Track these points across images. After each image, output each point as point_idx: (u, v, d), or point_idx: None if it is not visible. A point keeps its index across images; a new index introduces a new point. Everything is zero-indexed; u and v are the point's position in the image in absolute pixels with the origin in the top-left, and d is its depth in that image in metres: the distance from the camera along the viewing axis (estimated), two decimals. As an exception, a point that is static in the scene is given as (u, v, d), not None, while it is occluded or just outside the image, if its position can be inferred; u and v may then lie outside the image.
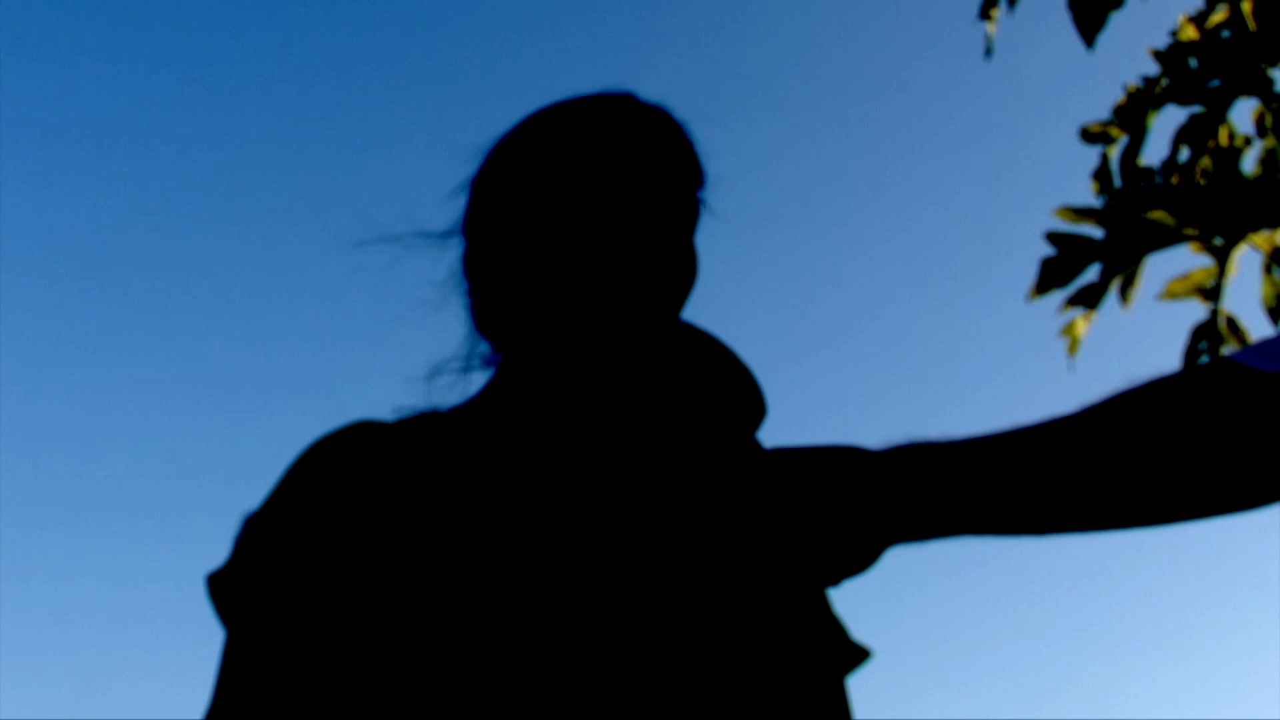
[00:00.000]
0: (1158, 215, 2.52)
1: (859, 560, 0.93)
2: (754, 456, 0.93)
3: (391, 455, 0.87)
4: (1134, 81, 2.59)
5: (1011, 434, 0.89)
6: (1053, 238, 2.63)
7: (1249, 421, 0.82)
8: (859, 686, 0.87)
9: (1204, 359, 2.58)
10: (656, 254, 0.91)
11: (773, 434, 0.98)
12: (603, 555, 0.82)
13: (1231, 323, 2.59)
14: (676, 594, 0.81)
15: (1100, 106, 2.67)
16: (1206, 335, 2.58)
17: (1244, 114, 2.62)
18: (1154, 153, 2.64)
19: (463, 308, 0.99)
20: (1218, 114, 2.47)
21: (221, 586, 0.84)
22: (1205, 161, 2.48)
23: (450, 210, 1.00)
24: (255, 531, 0.85)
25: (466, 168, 0.99)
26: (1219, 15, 2.44)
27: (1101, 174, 2.64)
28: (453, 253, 0.99)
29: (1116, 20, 2.16)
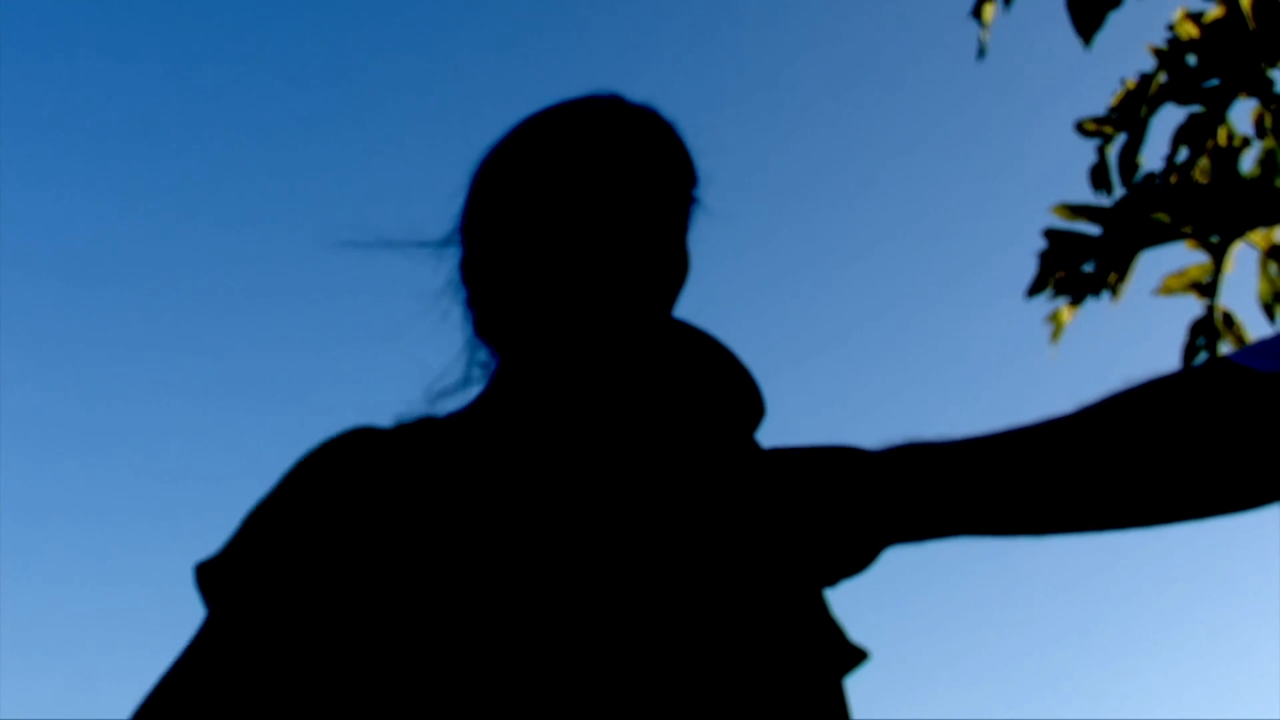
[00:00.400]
0: (1155, 214, 2.52)
1: (856, 561, 0.93)
2: (752, 457, 0.93)
3: (390, 459, 0.87)
4: (1132, 78, 2.59)
5: (1008, 435, 0.89)
6: (1050, 234, 2.63)
7: (1246, 421, 0.82)
8: (857, 687, 0.87)
9: (1202, 354, 2.58)
10: (650, 254, 0.91)
11: (771, 434, 0.98)
12: (600, 557, 0.82)
13: (1227, 318, 2.59)
14: (674, 595, 0.81)
15: (1100, 106, 2.66)
16: (1204, 331, 2.59)
17: (1243, 115, 2.62)
18: (1153, 151, 2.64)
19: (461, 313, 0.99)
20: (1217, 114, 2.46)
21: (211, 573, 0.84)
22: (1204, 162, 2.48)
23: (447, 217, 1.00)
24: (251, 526, 0.85)
25: (462, 173, 1.00)
26: (1216, 11, 2.43)
27: (1099, 171, 2.64)
28: (450, 259, 1.00)
29: (1115, 19, 2.16)
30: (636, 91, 0.98)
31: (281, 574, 0.81)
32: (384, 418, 0.94)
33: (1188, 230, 2.52)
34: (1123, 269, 2.60)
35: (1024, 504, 0.89)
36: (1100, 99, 2.64)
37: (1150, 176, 2.55)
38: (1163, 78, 2.51)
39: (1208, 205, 2.48)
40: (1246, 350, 0.85)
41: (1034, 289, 2.66)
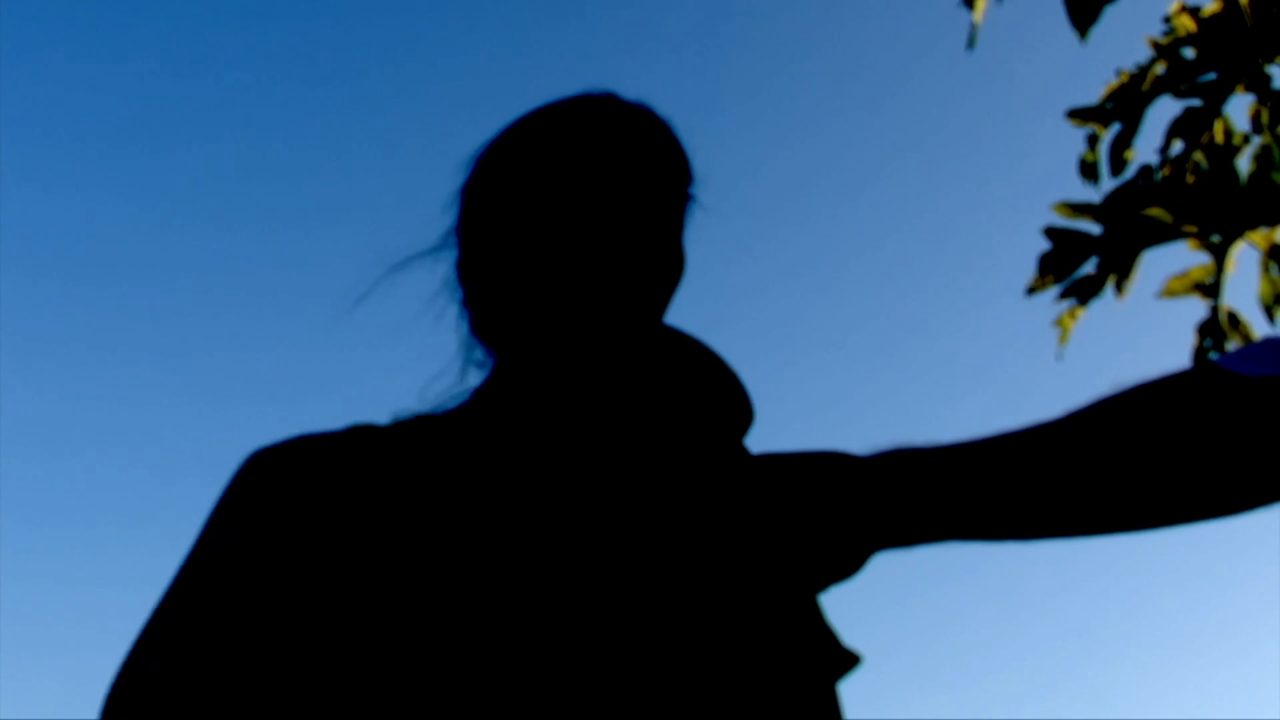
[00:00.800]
0: (1155, 212, 2.52)
1: (845, 566, 0.93)
2: (741, 462, 0.93)
3: (384, 458, 0.87)
4: (1128, 69, 2.58)
5: (996, 439, 0.90)
6: (1050, 233, 2.62)
7: (1233, 426, 0.82)
8: (850, 692, 0.87)
9: (1211, 355, 2.57)
10: (645, 254, 0.91)
11: (771, 434, 0.98)
12: (591, 561, 0.82)
13: (1233, 318, 2.59)
14: (665, 599, 0.81)
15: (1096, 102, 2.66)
16: (1210, 332, 2.58)
17: (1240, 112, 2.61)
18: (1146, 144, 2.64)
19: (457, 313, 0.99)
20: (1213, 107, 2.46)
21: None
22: (1199, 155, 2.47)
23: (443, 216, 1.00)
24: (243, 520, 0.83)
25: (457, 172, 1.00)
26: (1214, 6, 2.43)
27: (1088, 161, 2.64)
28: (446, 259, 1.00)
29: (1111, 13, 2.15)
30: (631, 90, 0.98)
31: (270, 572, 0.80)
32: (382, 417, 0.93)
33: (1189, 230, 2.51)
34: (1125, 268, 2.59)
35: (1012, 509, 0.89)
36: (1098, 95, 2.64)
37: (1146, 169, 2.54)
38: (1159, 70, 2.50)
39: (1206, 203, 2.47)
40: (1233, 354, 0.86)
41: (1034, 287, 2.65)
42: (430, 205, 1.01)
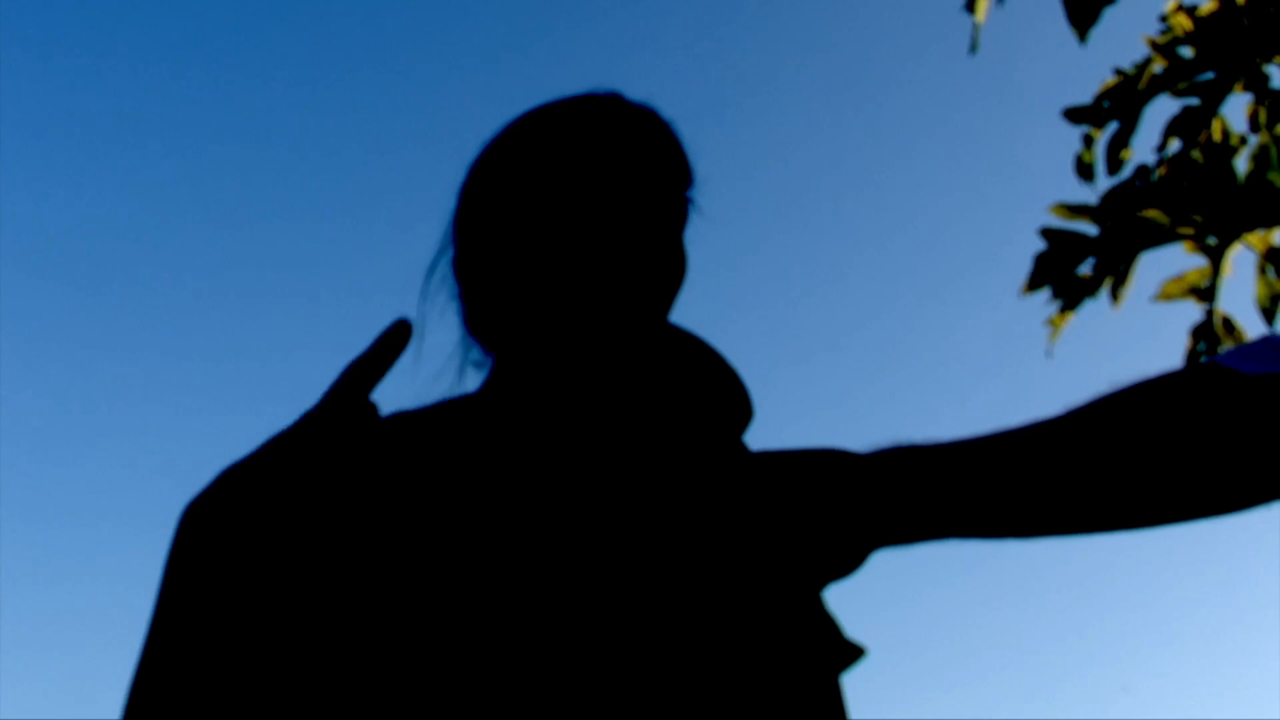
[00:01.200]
0: (1152, 214, 2.52)
1: (844, 563, 0.93)
2: (740, 459, 0.93)
3: (380, 452, 0.86)
4: (1125, 69, 2.58)
5: (995, 437, 0.90)
6: (1047, 233, 2.63)
7: (1232, 424, 0.82)
8: (854, 685, 0.87)
9: (1205, 359, 2.57)
10: (645, 254, 0.91)
11: (770, 434, 0.98)
12: (592, 557, 0.82)
13: (1227, 323, 2.59)
14: (668, 594, 0.81)
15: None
16: (1204, 336, 2.59)
17: (1239, 112, 2.62)
18: (1143, 143, 2.64)
19: (455, 311, 0.99)
20: (1210, 107, 2.46)
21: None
22: (1196, 154, 2.48)
23: (442, 214, 1.00)
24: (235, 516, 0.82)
25: (456, 170, 1.00)
26: (1210, 4, 2.43)
27: (1084, 161, 2.64)
28: (444, 257, 0.99)
29: (1110, 14, 2.16)
30: (630, 89, 0.98)
31: (265, 568, 0.80)
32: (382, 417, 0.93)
33: (1186, 232, 2.52)
34: (1122, 271, 2.60)
35: (1011, 506, 0.89)
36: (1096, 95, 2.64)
37: (1142, 169, 2.55)
38: (1156, 69, 2.51)
39: (1204, 203, 2.48)
40: (1232, 353, 0.86)
41: (1029, 286, 2.65)
42: (430, 205, 1.01)
